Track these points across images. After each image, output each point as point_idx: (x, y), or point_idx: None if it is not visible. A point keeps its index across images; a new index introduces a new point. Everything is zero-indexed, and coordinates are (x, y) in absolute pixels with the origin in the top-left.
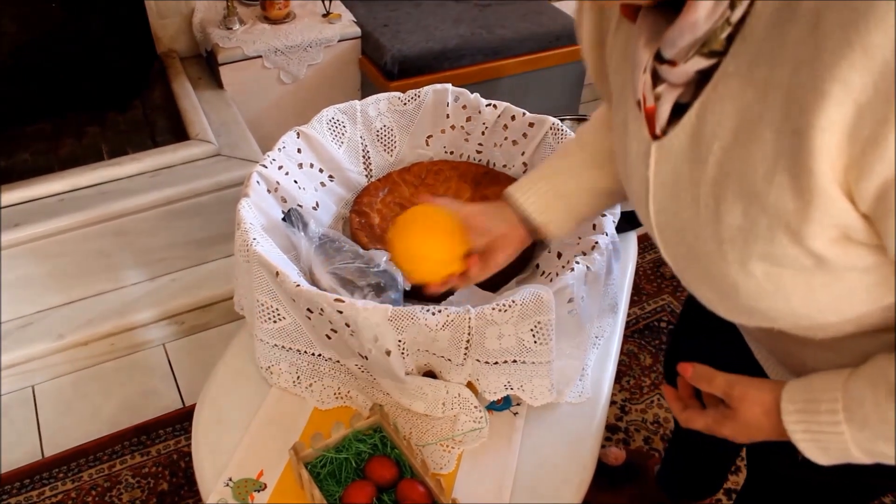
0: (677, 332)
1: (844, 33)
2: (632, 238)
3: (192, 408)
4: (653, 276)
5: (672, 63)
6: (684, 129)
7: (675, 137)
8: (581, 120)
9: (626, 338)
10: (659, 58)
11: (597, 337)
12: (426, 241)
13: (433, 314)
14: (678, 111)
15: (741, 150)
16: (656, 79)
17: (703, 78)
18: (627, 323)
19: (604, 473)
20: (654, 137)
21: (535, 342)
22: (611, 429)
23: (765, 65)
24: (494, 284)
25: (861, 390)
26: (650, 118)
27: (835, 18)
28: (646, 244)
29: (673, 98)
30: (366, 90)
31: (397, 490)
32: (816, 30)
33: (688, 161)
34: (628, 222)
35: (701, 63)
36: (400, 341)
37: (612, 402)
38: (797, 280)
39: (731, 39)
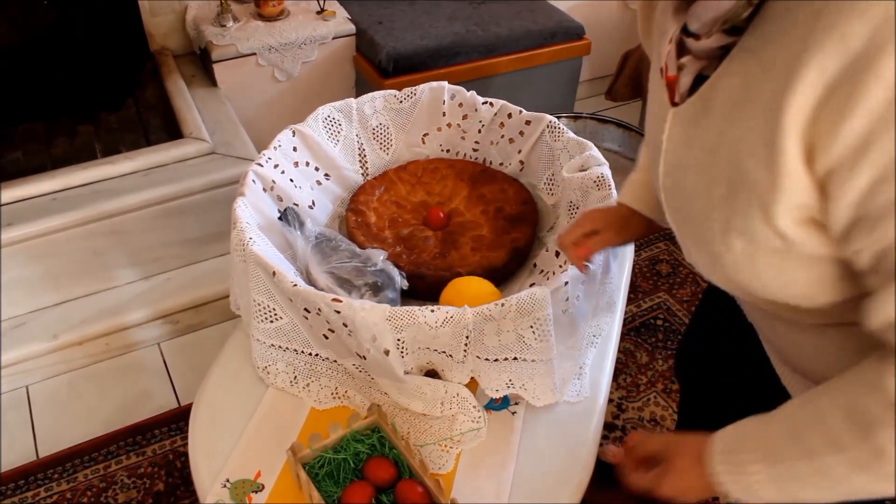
0: (690, 331)
1: (832, 19)
2: None
3: (188, 407)
4: (649, 273)
5: (696, 36)
6: (700, 99)
7: (691, 106)
8: (577, 117)
9: (623, 336)
10: (685, 30)
11: (595, 336)
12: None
13: (432, 311)
14: (699, 81)
15: (737, 123)
16: (682, 49)
17: (724, 53)
18: (624, 321)
19: (603, 471)
20: (674, 105)
21: (536, 338)
22: (608, 427)
23: (773, 44)
24: (495, 281)
25: (778, 436)
26: (671, 86)
27: (833, 4)
28: (641, 242)
29: (696, 70)
30: (360, 88)
31: (396, 491)
32: (819, 14)
33: (697, 129)
34: None
35: (723, 39)
36: (399, 340)
37: (609, 401)
38: (770, 260)
39: (751, 18)
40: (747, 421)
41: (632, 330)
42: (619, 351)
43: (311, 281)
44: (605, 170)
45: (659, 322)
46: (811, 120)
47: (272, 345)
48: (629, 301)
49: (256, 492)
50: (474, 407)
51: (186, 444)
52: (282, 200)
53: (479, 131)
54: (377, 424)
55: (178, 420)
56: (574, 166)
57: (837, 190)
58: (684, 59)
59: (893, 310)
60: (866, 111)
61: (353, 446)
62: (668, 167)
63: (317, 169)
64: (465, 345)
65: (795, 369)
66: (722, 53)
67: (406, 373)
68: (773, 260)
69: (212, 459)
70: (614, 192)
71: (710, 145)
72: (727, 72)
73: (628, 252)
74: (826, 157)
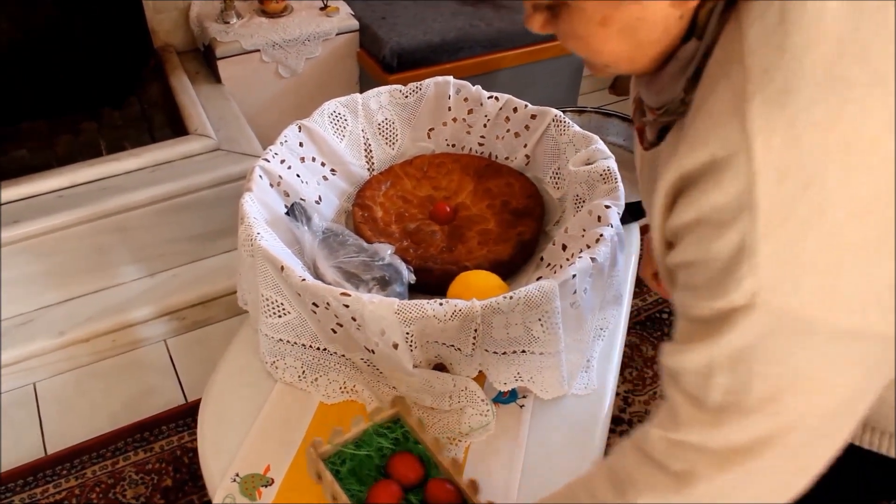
0: None
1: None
2: (634, 229)
3: (195, 403)
4: None
5: (651, 109)
6: (654, 153)
7: (652, 154)
8: (581, 111)
9: (628, 330)
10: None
11: (602, 329)
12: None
13: (440, 305)
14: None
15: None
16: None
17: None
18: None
19: None
20: (645, 149)
21: (544, 331)
22: (614, 421)
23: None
24: (502, 275)
25: None
26: (640, 134)
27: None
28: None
29: (657, 126)
30: (364, 83)
31: (426, 490)
32: (693, 121)
33: (651, 173)
34: (630, 214)
35: (665, 118)
36: (408, 334)
37: (616, 394)
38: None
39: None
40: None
41: (637, 324)
42: (625, 345)
43: (318, 275)
44: (612, 163)
45: (665, 316)
46: (669, 197)
47: (280, 339)
48: (635, 295)
49: (266, 486)
50: (483, 400)
51: (194, 439)
52: (288, 196)
53: (485, 126)
54: (400, 417)
55: (185, 416)
56: (580, 160)
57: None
58: (647, 118)
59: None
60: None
61: (375, 441)
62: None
63: (323, 164)
64: (474, 338)
65: None
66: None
67: (414, 366)
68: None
69: (221, 454)
70: (620, 185)
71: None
72: (666, 142)
73: (635, 245)
74: (673, 223)
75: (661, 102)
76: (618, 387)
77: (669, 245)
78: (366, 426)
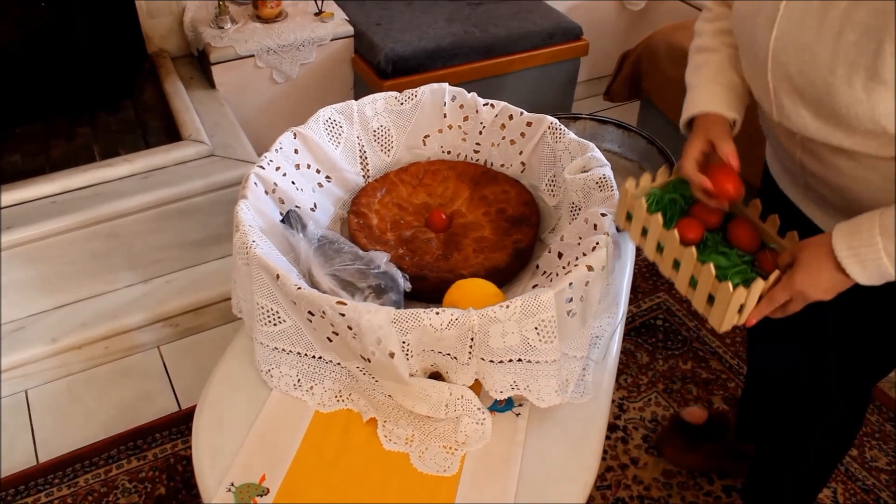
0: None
1: None
2: (627, 237)
3: (188, 411)
4: (648, 273)
5: None
6: None
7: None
8: (576, 118)
9: (623, 336)
10: None
11: (597, 336)
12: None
13: (437, 314)
14: None
15: None
16: None
17: None
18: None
19: (685, 431)
20: None
21: (540, 340)
22: (610, 427)
23: None
24: (497, 283)
25: (891, 212)
26: None
27: None
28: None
29: None
30: (359, 89)
31: (728, 229)
32: None
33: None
34: None
35: None
36: (404, 343)
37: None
38: (886, 94)
39: None
40: (862, 216)
41: (632, 330)
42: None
43: (314, 284)
44: (607, 171)
45: (659, 322)
46: None
47: (275, 348)
48: (629, 301)
49: (262, 495)
50: (479, 409)
51: (187, 447)
52: (283, 203)
53: (480, 133)
54: None
55: (179, 424)
56: (576, 167)
57: None
58: None
59: None
60: None
61: (680, 189)
62: (782, 32)
63: (318, 171)
64: (470, 347)
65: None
66: None
67: (411, 375)
68: (890, 92)
69: (216, 463)
70: (616, 192)
71: (841, 6)
72: None
73: (630, 252)
74: None
75: None
76: (612, 393)
77: None
78: (671, 178)
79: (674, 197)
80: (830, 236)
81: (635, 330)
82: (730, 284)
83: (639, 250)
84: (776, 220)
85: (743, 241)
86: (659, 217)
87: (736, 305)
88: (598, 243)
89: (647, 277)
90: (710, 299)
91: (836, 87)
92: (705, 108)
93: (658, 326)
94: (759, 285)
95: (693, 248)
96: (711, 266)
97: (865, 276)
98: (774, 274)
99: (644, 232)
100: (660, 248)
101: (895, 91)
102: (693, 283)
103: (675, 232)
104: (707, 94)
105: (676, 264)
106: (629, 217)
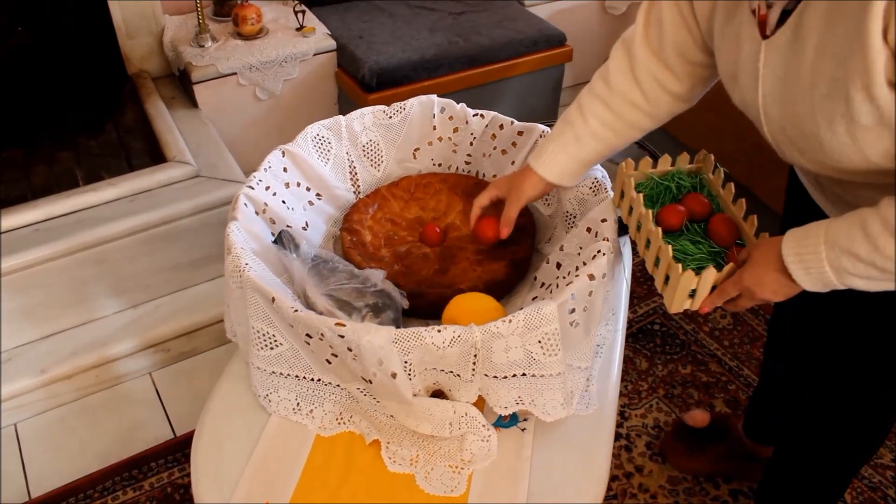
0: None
1: None
2: (625, 242)
3: (184, 438)
4: (643, 279)
5: None
6: (789, 28)
7: (782, 34)
8: None
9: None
10: None
11: (599, 346)
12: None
13: (438, 332)
14: (782, 17)
15: (831, 33)
16: None
17: None
18: None
19: (689, 436)
20: (765, 38)
21: (544, 353)
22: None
23: None
24: (496, 296)
25: (839, 224)
26: (762, 24)
27: None
28: (635, 247)
29: (780, 7)
30: (343, 104)
31: (709, 221)
32: None
33: (792, 51)
34: (620, 227)
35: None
36: (406, 362)
37: None
38: (868, 133)
39: None
40: (814, 223)
41: (629, 336)
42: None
43: (309, 304)
44: (599, 173)
45: (656, 327)
46: (886, 9)
47: (273, 372)
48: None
49: None
50: (484, 426)
51: (185, 475)
52: (275, 223)
53: (471, 144)
54: (701, 171)
55: (174, 451)
56: None
57: None
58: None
59: None
60: None
61: (677, 178)
62: (767, 88)
63: (308, 189)
64: (474, 363)
65: None
66: None
67: (413, 395)
68: (871, 132)
69: (217, 491)
70: (610, 193)
71: (808, 59)
72: (810, 2)
73: (627, 258)
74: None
75: None
76: None
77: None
78: (671, 169)
79: (668, 185)
80: (781, 239)
81: (633, 336)
82: (680, 267)
83: (635, 252)
84: (754, 221)
85: (719, 234)
86: (640, 197)
87: (685, 289)
88: (599, 251)
89: (641, 283)
90: (668, 280)
91: (822, 136)
92: (543, 172)
93: (655, 331)
94: (711, 274)
95: (659, 229)
96: (670, 248)
97: (810, 281)
98: (728, 266)
99: (631, 211)
100: (639, 228)
101: (878, 130)
102: (657, 262)
103: (650, 213)
104: (551, 161)
105: (648, 243)
106: (623, 195)
